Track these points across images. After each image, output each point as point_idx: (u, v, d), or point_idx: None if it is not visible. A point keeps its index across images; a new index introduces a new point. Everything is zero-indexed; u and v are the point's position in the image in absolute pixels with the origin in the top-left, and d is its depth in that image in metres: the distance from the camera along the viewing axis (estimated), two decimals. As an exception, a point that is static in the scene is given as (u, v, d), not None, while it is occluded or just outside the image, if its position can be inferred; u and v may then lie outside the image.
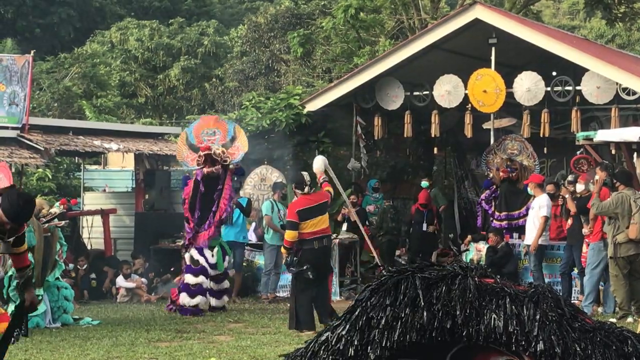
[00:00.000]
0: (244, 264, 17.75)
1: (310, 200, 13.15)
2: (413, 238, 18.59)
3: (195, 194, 15.15)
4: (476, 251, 16.92)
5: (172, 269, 18.17)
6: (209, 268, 15.16)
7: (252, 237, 18.08)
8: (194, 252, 15.16)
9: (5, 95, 17.89)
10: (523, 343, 4.20)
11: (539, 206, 15.56)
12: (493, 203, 17.36)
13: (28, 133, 18.07)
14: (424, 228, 18.37)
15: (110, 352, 11.31)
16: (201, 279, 15.07)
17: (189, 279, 15.09)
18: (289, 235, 13.06)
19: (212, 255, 15.23)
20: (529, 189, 16.03)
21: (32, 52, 19.29)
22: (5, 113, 17.98)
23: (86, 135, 19.27)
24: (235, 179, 15.69)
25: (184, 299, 15.07)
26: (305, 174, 13.54)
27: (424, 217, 18.41)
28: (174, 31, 40.82)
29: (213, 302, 15.27)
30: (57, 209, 14.12)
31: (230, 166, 15.26)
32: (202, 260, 15.11)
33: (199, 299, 15.06)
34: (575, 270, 15.31)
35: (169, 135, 22.11)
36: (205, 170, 15.02)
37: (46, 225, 13.85)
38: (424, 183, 19.41)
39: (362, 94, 19.11)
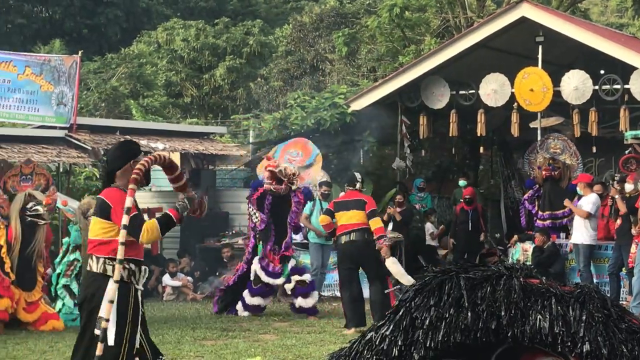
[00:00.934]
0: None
1: (351, 195, 13.25)
2: (458, 238, 18.48)
3: (261, 204, 14.73)
4: (522, 251, 16.80)
5: (217, 273, 18.27)
6: (272, 280, 14.84)
7: (297, 237, 18.10)
8: (260, 273, 14.71)
9: (53, 95, 18.08)
10: (569, 344, 4.16)
11: (587, 204, 15.43)
12: (537, 203, 17.21)
13: (76, 133, 18.25)
14: (469, 228, 18.26)
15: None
16: (258, 300, 14.86)
17: (248, 298, 14.80)
18: (320, 219, 13.58)
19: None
20: (578, 188, 15.88)
21: (79, 52, 19.49)
22: (54, 113, 18.17)
23: (133, 135, 19.41)
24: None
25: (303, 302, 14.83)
26: (357, 174, 13.67)
27: (469, 217, 18.29)
28: (219, 31, 40.96)
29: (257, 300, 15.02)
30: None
31: (293, 187, 14.75)
32: (266, 280, 14.70)
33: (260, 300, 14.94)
34: (624, 271, 15.15)
35: (214, 134, 22.21)
36: (272, 187, 14.53)
37: (92, 224, 13.96)
38: (462, 182, 19.31)
39: (407, 93, 19.06)
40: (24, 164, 14.31)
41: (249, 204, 14.94)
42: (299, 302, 14.67)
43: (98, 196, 7.14)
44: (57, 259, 14.36)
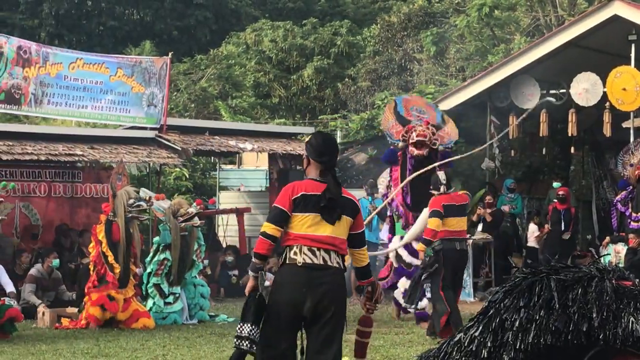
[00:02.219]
0: (377, 263, 17.76)
1: (452, 198, 12.64)
2: (549, 239, 18.26)
3: (403, 174, 13.99)
4: (615, 253, 16.52)
5: None
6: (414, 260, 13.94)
7: (384, 237, 18.07)
8: (403, 253, 14.12)
9: (144, 96, 18.34)
10: (663, 348, 4.08)
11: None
12: (630, 204, 16.89)
13: (166, 133, 18.49)
14: (562, 228, 18.03)
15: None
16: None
17: (405, 283, 13.96)
18: (433, 223, 12.35)
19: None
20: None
21: (170, 53, 19.74)
22: (144, 114, 18.43)
23: (222, 136, 19.60)
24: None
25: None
26: (440, 173, 12.93)
27: (561, 217, 18.05)
28: (307, 32, 41.10)
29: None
30: (194, 209, 14.37)
31: (440, 148, 14.09)
32: (414, 261, 13.85)
33: (424, 302, 13.89)
34: None
35: (302, 135, 22.28)
36: (415, 152, 13.70)
37: (183, 224, 14.13)
38: (556, 183, 19.06)
39: (496, 92, 18.88)
40: (120, 164, 14.62)
41: (389, 183, 14.20)
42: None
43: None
44: (148, 258, 14.55)
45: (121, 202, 13.69)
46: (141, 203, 13.85)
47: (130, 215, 13.74)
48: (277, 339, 6.43)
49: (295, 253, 6.46)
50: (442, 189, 12.66)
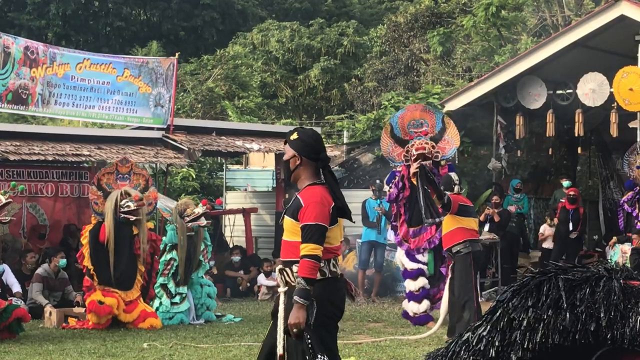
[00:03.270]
0: (384, 264, 17.78)
1: (465, 199, 12.62)
2: (557, 238, 18.25)
3: (400, 192, 13.84)
4: (621, 253, 16.51)
5: None
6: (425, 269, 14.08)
7: (391, 238, 18.06)
8: (404, 260, 14.13)
9: (151, 96, 18.37)
10: (671, 347, 4.08)
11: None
12: (637, 205, 16.88)
13: (172, 134, 18.51)
14: (570, 228, 18.02)
15: (251, 349, 11.46)
16: (422, 281, 14.03)
17: (410, 285, 14.07)
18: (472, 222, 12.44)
19: (423, 256, 14.11)
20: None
21: (177, 54, 19.76)
22: (151, 114, 18.46)
23: (228, 136, 19.62)
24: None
25: (412, 307, 14.02)
26: (453, 174, 12.89)
27: (570, 216, 18.04)
28: (314, 32, 41.14)
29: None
30: (200, 209, 14.37)
31: (442, 162, 13.89)
32: (413, 265, 14.02)
33: (425, 304, 13.98)
34: None
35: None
36: (411, 169, 13.13)
37: (189, 224, 14.14)
38: (566, 183, 19.04)
39: (503, 92, 18.87)
40: (120, 163, 14.53)
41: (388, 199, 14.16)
42: (410, 307, 14.02)
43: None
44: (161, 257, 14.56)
45: (111, 202, 13.68)
46: (129, 204, 13.79)
47: (122, 216, 13.74)
48: (335, 353, 6.14)
49: (334, 265, 6.12)
50: (455, 189, 12.57)
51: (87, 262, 13.65)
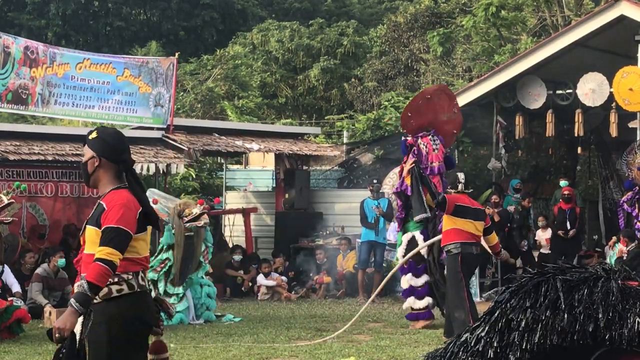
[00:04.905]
0: (384, 264, 17.78)
1: (467, 200, 12.52)
2: (555, 239, 18.25)
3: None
4: (620, 252, 16.52)
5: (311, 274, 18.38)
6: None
7: (391, 237, 18.09)
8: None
9: (151, 96, 18.37)
10: (669, 348, 4.08)
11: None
12: (636, 205, 16.88)
13: (172, 133, 18.51)
14: (568, 227, 18.02)
15: (251, 349, 11.48)
16: (426, 277, 13.95)
17: (412, 281, 13.97)
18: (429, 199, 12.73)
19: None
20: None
21: (176, 54, 19.76)
22: (151, 114, 18.46)
23: (228, 136, 19.62)
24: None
25: (410, 302, 13.97)
26: (460, 174, 12.90)
27: (567, 216, 18.05)
28: (313, 32, 41.15)
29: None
30: (198, 209, 14.35)
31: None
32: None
33: (427, 300, 13.91)
34: None
35: (308, 135, 22.31)
36: (406, 166, 13.47)
37: (187, 225, 14.13)
38: (563, 182, 19.05)
39: (503, 92, 18.86)
40: None
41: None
42: (409, 302, 14.00)
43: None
44: (152, 257, 14.58)
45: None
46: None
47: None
48: None
49: (142, 279, 5.53)
50: (460, 187, 12.58)
51: None
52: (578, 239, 18.59)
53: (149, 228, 5.58)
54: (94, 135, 5.60)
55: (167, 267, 14.11)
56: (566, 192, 18.33)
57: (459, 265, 12.18)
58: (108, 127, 5.86)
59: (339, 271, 18.32)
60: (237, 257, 18.41)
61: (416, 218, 13.13)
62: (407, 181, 13.25)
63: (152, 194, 14.67)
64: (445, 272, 13.19)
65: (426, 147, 13.72)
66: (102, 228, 5.35)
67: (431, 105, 14.01)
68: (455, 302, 12.24)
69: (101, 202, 5.49)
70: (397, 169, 18.37)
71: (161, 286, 14.11)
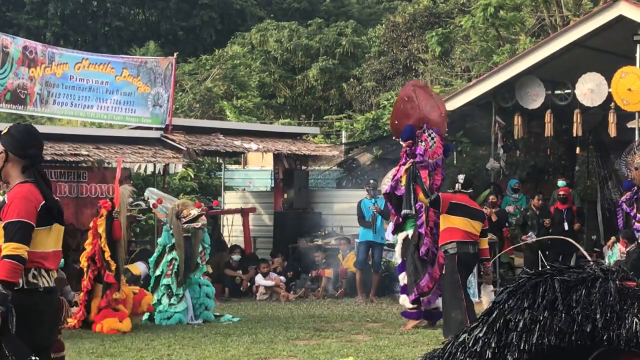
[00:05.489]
0: (382, 264, 17.79)
1: (464, 199, 12.61)
2: (553, 240, 18.22)
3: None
4: (620, 253, 16.52)
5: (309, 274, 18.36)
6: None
7: (389, 237, 18.08)
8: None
9: (149, 96, 18.37)
10: (667, 348, 4.08)
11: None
12: (635, 205, 16.88)
13: (171, 133, 18.51)
14: (565, 228, 18.02)
15: (250, 349, 11.48)
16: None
17: (404, 279, 14.03)
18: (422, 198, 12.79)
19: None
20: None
21: (175, 54, 19.76)
22: (150, 114, 18.46)
23: (227, 136, 19.62)
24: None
25: (405, 301, 13.99)
26: (460, 175, 13.13)
27: (564, 216, 18.06)
28: (312, 32, 41.17)
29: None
30: (196, 211, 14.30)
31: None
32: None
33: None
34: None
35: (307, 135, 22.32)
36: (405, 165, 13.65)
37: (185, 226, 14.11)
38: (561, 182, 19.06)
39: (501, 93, 18.88)
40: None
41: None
42: (403, 300, 14.07)
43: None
44: (152, 259, 14.55)
45: (124, 199, 13.60)
46: (140, 202, 13.81)
47: (129, 214, 13.68)
48: None
49: (34, 276, 5.49)
50: (456, 186, 12.76)
51: (108, 257, 13.29)
52: (576, 238, 18.57)
53: (56, 225, 5.60)
54: (5, 131, 5.70)
55: (175, 268, 14.09)
56: (562, 193, 18.33)
57: (456, 265, 12.23)
58: (22, 124, 5.91)
59: (341, 268, 18.25)
60: (236, 257, 18.41)
61: (402, 212, 13.21)
62: (403, 180, 13.32)
63: (150, 193, 14.66)
64: (428, 267, 13.31)
65: (424, 144, 13.77)
66: (4, 223, 5.39)
67: (412, 103, 14.05)
68: (452, 303, 12.30)
69: (6, 196, 5.57)
70: (394, 170, 18.38)
71: (174, 288, 14.06)
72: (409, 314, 13.89)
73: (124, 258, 13.73)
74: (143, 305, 13.85)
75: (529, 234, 17.05)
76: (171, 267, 14.11)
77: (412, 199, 13.06)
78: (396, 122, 14.21)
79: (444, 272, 12.70)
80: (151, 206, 14.14)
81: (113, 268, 13.29)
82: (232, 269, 18.31)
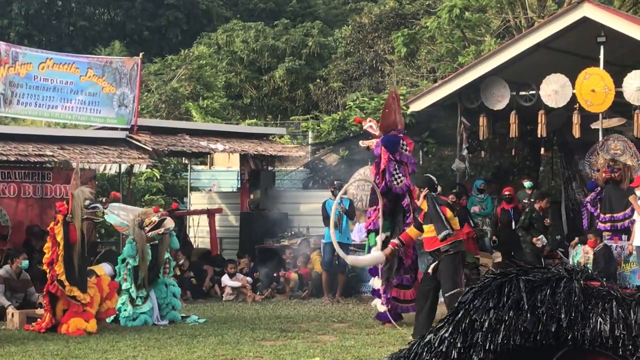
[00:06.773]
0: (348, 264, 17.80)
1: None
2: (502, 239, 18.30)
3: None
4: (583, 253, 16.61)
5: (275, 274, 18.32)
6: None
7: (355, 238, 18.11)
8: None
9: (115, 97, 18.27)
10: (630, 347, 4.11)
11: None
12: (599, 205, 17.00)
13: (136, 134, 18.41)
14: (513, 227, 18.09)
15: (216, 350, 11.45)
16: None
17: (376, 282, 14.19)
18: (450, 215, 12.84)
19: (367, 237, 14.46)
20: (636, 190, 15.69)
21: (140, 54, 19.65)
22: (115, 114, 18.36)
23: (193, 136, 19.56)
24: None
25: (378, 304, 14.09)
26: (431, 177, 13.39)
27: (511, 216, 18.10)
28: (278, 32, 41.16)
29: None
30: (157, 217, 14.21)
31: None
32: None
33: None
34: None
35: (273, 135, 22.29)
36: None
37: (150, 234, 14.05)
38: (527, 183, 19.14)
39: (467, 94, 18.95)
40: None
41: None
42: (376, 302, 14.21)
43: None
44: (118, 267, 14.44)
45: (78, 202, 13.48)
46: (97, 205, 13.67)
47: (85, 216, 13.54)
48: None
49: None
50: (439, 189, 13.14)
51: (59, 268, 13.21)
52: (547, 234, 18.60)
53: None
54: None
55: (130, 271, 14.01)
56: (507, 193, 18.34)
57: (460, 263, 12.54)
58: None
59: (304, 269, 18.25)
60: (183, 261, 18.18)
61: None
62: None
63: (111, 210, 14.39)
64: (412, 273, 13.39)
65: (407, 149, 14.10)
66: None
67: (390, 110, 14.24)
68: (454, 302, 12.26)
69: None
70: (363, 170, 18.48)
71: (133, 292, 14.01)
72: (384, 317, 13.90)
73: (80, 262, 13.46)
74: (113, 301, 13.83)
75: (540, 236, 17.04)
76: (126, 271, 14.04)
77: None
78: (386, 110, 14.37)
79: (438, 272, 12.65)
80: (102, 208, 13.88)
81: (66, 284, 13.18)
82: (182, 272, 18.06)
